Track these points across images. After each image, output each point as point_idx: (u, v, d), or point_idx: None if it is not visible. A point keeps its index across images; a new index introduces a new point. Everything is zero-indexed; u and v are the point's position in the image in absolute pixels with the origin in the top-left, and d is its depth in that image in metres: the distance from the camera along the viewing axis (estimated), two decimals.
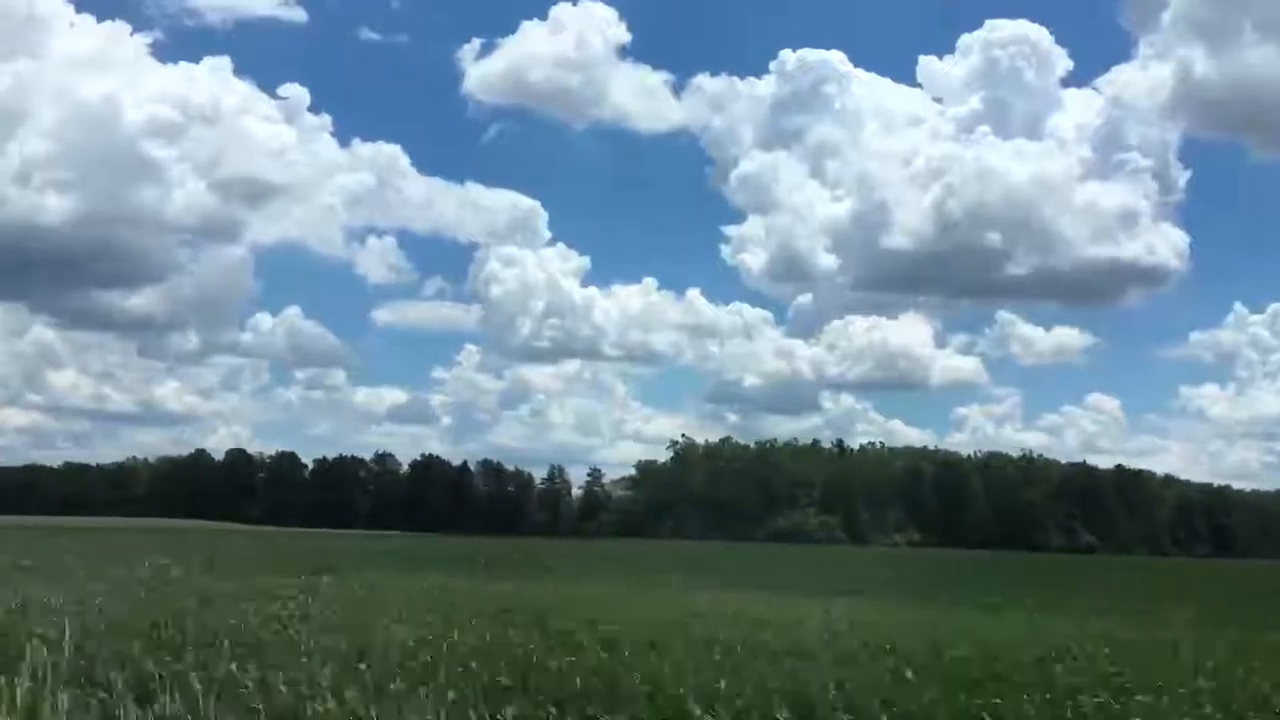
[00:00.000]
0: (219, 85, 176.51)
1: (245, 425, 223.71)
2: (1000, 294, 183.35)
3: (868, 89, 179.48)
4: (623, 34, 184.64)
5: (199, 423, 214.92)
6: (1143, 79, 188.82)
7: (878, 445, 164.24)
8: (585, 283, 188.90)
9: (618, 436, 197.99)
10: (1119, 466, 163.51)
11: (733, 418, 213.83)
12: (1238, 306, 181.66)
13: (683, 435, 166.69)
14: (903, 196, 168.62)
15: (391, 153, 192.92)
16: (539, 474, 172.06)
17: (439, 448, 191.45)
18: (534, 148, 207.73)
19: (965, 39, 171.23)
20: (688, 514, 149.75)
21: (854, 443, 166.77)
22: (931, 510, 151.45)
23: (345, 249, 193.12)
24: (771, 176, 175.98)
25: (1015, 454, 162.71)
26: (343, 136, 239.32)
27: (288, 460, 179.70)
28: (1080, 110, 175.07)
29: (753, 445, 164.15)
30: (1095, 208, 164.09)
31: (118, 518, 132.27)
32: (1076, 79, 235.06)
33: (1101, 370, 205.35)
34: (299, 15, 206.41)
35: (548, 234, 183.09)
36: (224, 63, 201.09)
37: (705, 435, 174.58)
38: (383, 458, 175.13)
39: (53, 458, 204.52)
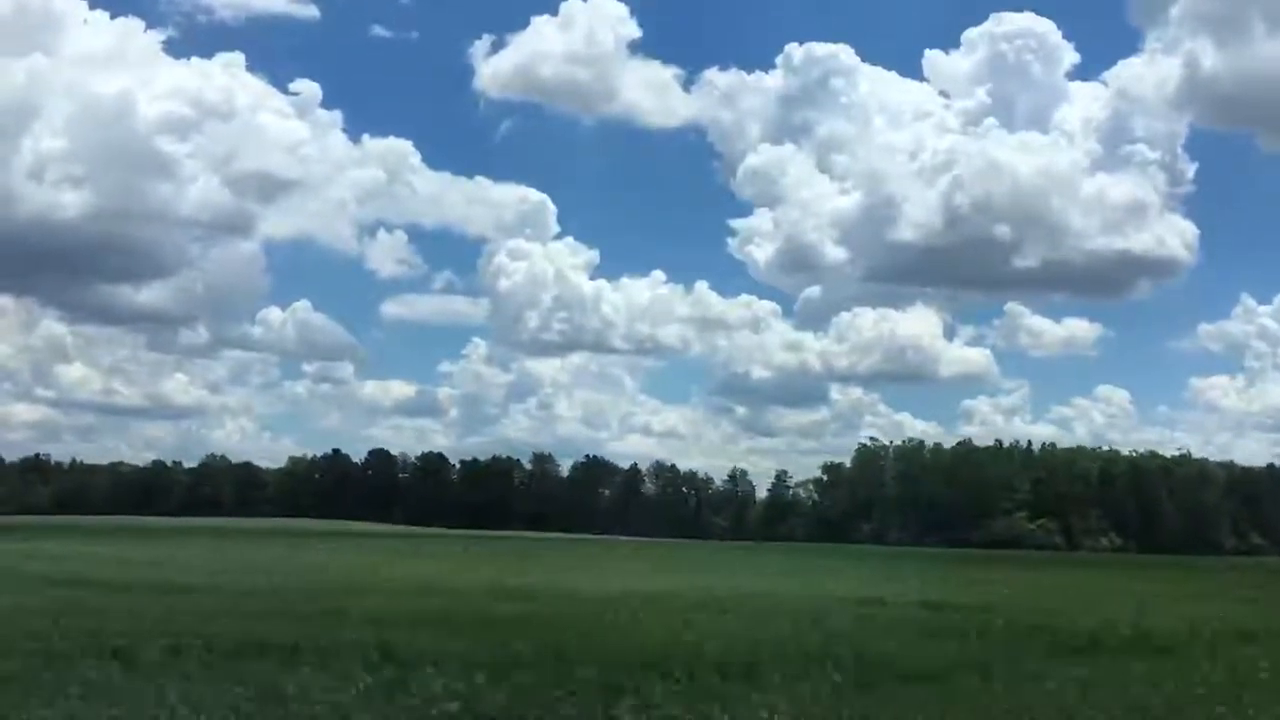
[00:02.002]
0: (232, 81, 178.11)
1: (253, 419, 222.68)
2: (1009, 286, 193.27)
3: (875, 83, 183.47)
4: (633, 30, 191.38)
5: (207, 417, 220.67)
6: (1150, 72, 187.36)
7: (1061, 447, 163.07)
8: (594, 276, 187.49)
9: (626, 429, 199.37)
10: (1270, 466, 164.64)
11: (741, 410, 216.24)
12: (1245, 298, 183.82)
13: (871, 438, 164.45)
14: (910, 189, 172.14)
15: (402, 148, 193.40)
16: (718, 477, 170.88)
17: (445, 442, 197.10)
18: (544, 143, 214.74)
19: (971, 33, 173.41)
20: (888, 518, 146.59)
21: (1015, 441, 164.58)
22: (1128, 513, 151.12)
23: (355, 243, 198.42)
24: (779, 170, 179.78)
25: (1132, 451, 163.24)
26: (354, 132, 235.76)
27: (434, 460, 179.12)
28: (1087, 103, 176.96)
29: (947, 446, 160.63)
30: (1103, 200, 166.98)
31: (285, 519, 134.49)
32: (1083, 73, 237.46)
33: (1111, 362, 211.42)
34: (311, 12, 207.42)
35: (556, 228, 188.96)
36: (237, 59, 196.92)
37: (711, 428, 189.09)
38: (541, 459, 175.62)
39: (62, 452, 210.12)
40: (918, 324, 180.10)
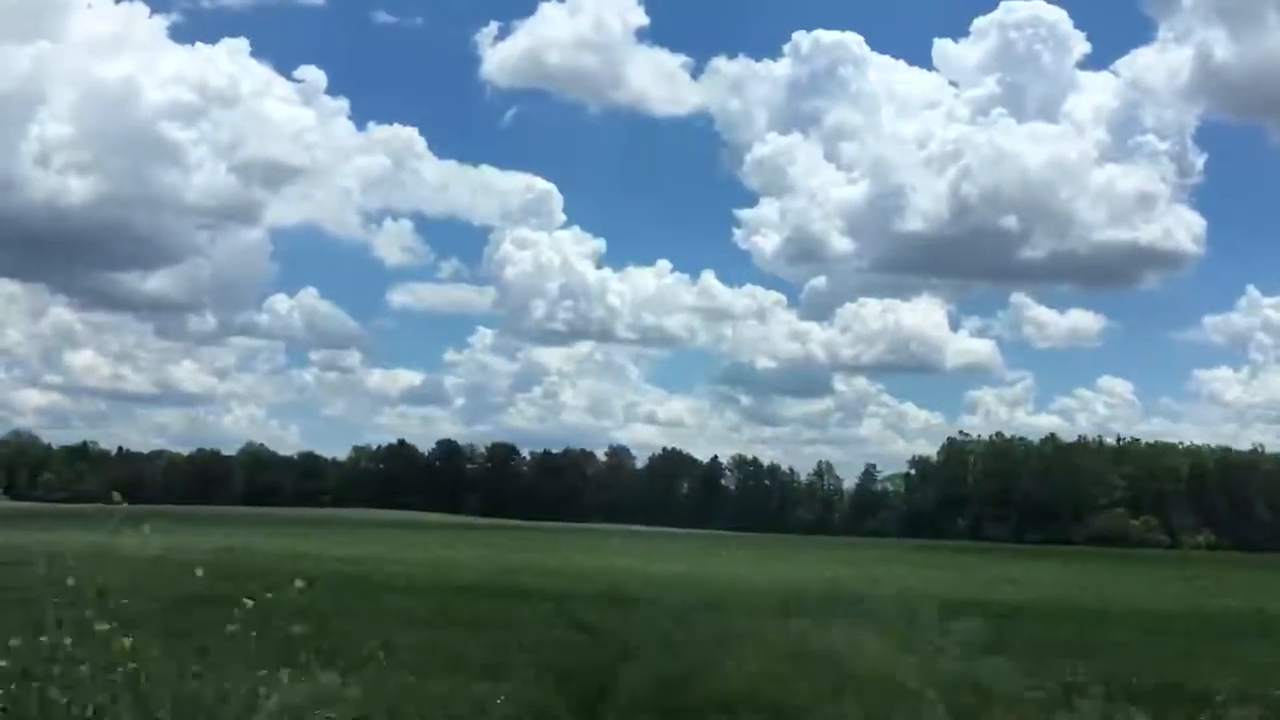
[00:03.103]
0: (237, 67, 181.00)
1: (261, 406, 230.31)
2: (1015, 277, 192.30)
3: (883, 72, 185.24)
4: (641, 17, 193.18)
5: (214, 404, 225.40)
6: (1161, 62, 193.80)
7: (1152, 443, 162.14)
8: (600, 265, 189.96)
9: (631, 419, 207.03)
10: None
11: (745, 400, 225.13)
12: (1251, 290, 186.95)
13: (960, 432, 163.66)
14: (918, 179, 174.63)
15: (408, 135, 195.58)
16: (804, 471, 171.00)
17: (451, 430, 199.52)
18: (550, 130, 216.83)
19: (981, 21, 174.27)
20: (983, 513, 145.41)
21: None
22: (1219, 510, 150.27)
23: (362, 231, 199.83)
24: (786, 159, 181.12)
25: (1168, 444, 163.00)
26: (359, 119, 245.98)
27: (503, 451, 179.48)
28: (1097, 93, 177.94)
29: (1038, 441, 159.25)
30: (1112, 191, 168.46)
31: (347, 509, 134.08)
32: (1094, 62, 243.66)
33: (1115, 353, 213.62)
34: None
35: (563, 217, 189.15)
36: (241, 45, 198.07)
37: (716, 417, 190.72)
38: (617, 451, 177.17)
39: (70, 436, 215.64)
40: (923, 315, 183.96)
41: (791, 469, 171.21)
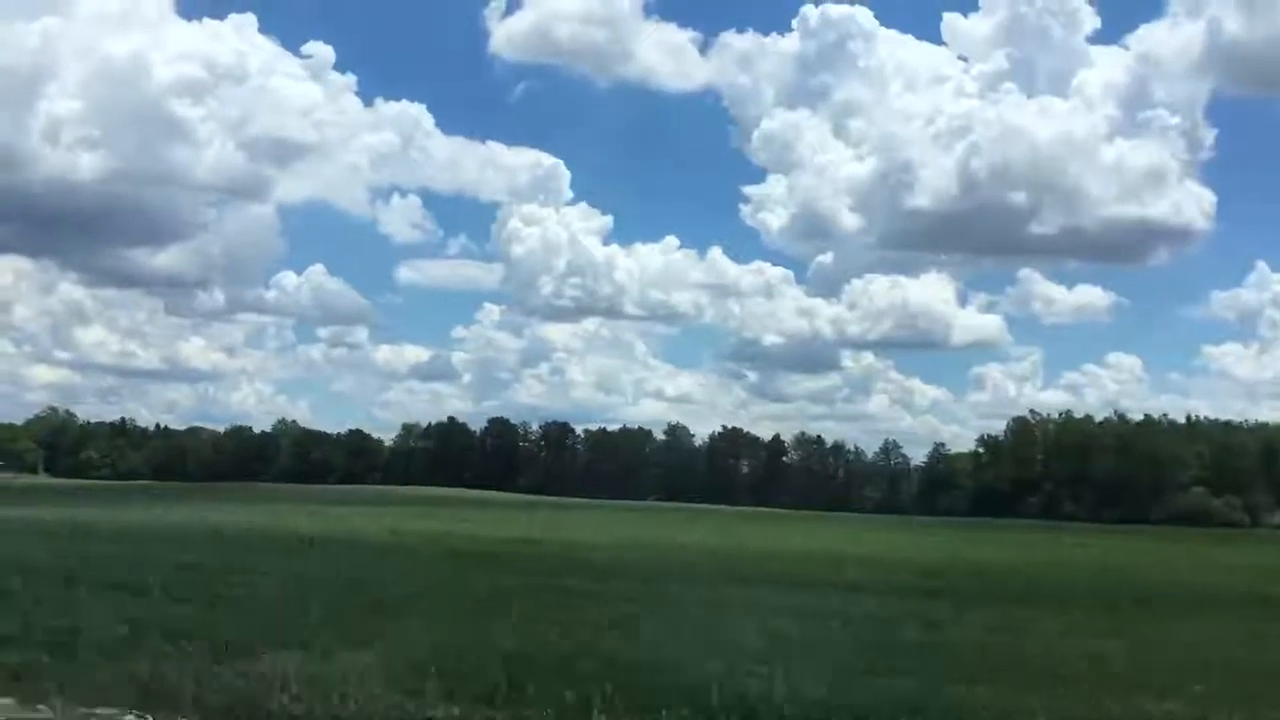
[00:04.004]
0: (244, 43, 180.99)
1: (269, 382, 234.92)
2: (1024, 253, 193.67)
3: (892, 46, 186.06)
4: None
5: (223, 380, 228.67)
6: (1173, 36, 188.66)
7: (1224, 421, 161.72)
8: (607, 241, 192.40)
9: (639, 395, 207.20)
10: None
11: (752, 376, 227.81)
12: (1261, 265, 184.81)
13: (1031, 411, 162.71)
14: (926, 155, 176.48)
15: (416, 112, 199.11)
16: (870, 448, 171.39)
17: (459, 406, 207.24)
18: (558, 106, 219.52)
19: None
20: (1059, 492, 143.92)
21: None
22: None
23: (370, 208, 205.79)
24: (794, 135, 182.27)
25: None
26: (367, 95, 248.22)
27: (558, 430, 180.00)
28: (1108, 68, 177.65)
29: (1114, 419, 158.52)
30: (1122, 166, 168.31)
31: (443, 489, 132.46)
32: (1104, 37, 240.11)
33: (1123, 329, 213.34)
34: None
35: (570, 193, 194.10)
36: (249, 20, 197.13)
37: (723, 393, 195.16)
38: (674, 429, 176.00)
39: (89, 412, 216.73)
40: (930, 291, 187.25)
41: (857, 447, 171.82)
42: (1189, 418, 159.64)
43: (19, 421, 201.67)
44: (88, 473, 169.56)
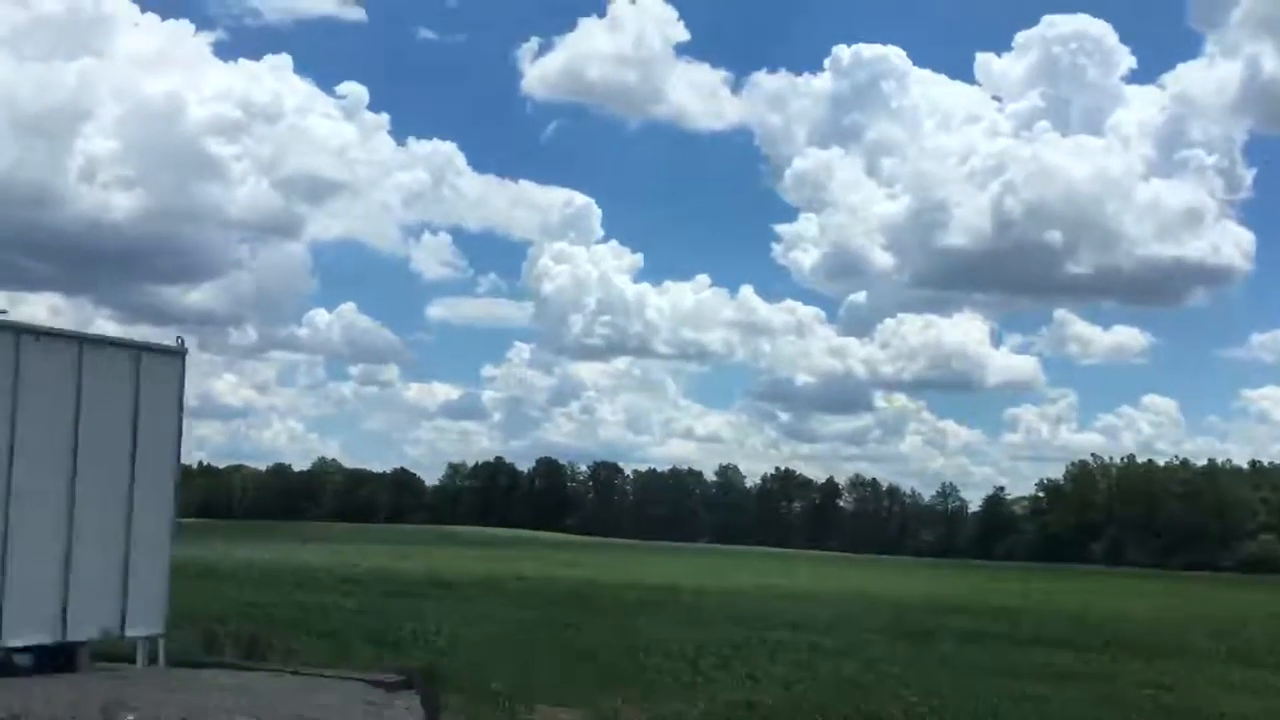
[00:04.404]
0: (280, 83, 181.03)
1: (300, 420, 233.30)
2: (1059, 292, 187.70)
3: (925, 85, 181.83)
4: (681, 32, 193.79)
5: (254, 417, 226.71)
6: (1209, 76, 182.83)
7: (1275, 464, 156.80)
8: (638, 279, 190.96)
9: (669, 434, 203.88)
10: None
11: (784, 416, 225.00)
12: None
13: (1093, 455, 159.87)
14: (960, 194, 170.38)
15: (448, 150, 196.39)
16: (926, 491, 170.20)
17: (489, 445, 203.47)
18: (590, 145, 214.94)
19: (1023, 35, 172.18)
20: (1123, 537, 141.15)
21: None
22: None
23: (401, 245, 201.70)
24: (826, 174, 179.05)
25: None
26: (400, 134, 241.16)
27: (607, 470, 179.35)
28: (1143, 107, 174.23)
29: (1177, 463, 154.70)
30: (1158, 205, 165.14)
31: (481, 528, 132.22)
32: (1140, 76, 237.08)
33: (1160, 371, 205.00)
34: (358, 14, 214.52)
35: (601, 231, 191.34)
36: (284, 61, 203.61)
37: (754, 433, 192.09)
38: (725, 470, 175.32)
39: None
40: (964, 331, 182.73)
41: (913, 490, 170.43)
42: (1253, 463, 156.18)
43: None
44: None
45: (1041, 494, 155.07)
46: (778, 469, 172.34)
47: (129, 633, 11.34)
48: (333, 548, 56.26)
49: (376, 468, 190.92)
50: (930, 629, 23.96)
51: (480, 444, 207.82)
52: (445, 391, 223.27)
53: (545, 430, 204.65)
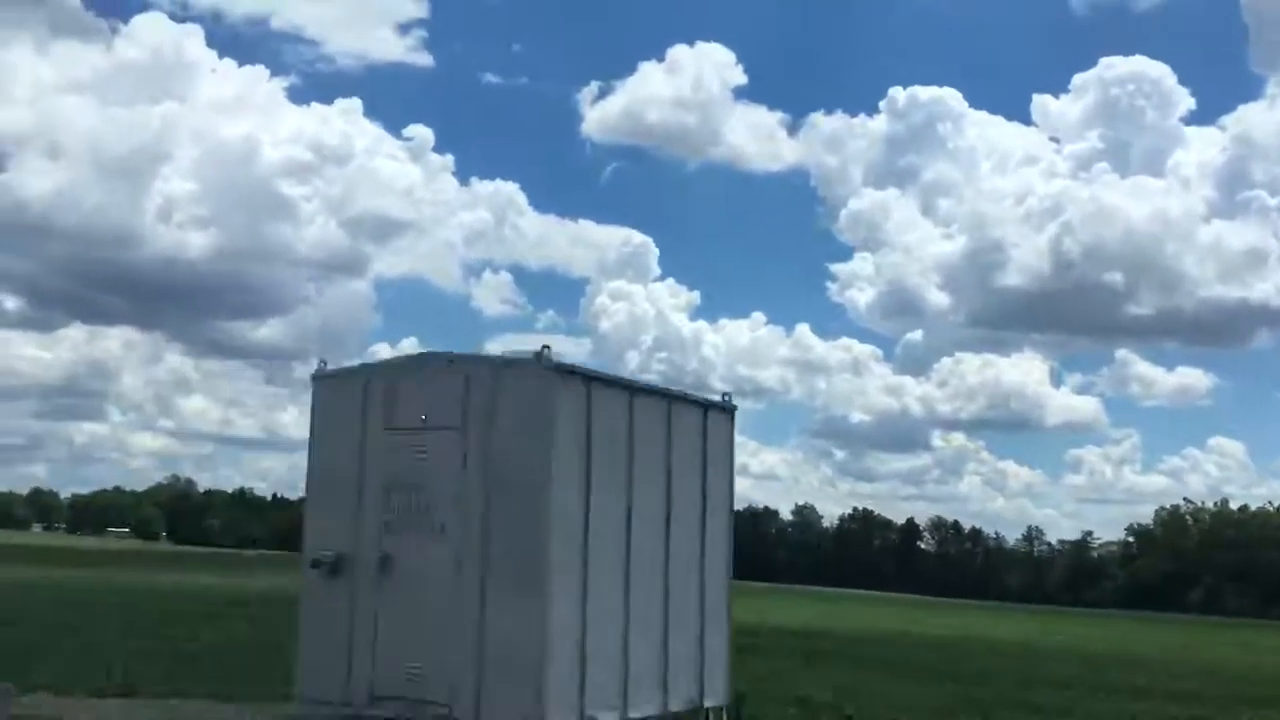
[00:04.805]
0: (349, 126, 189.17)
1: None
2: (1120, 333, 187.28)
3: (981, 127, 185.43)
4: (739, 76, 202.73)
5: None
6: (1271, 118, 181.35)
7: None
8: (694, 317, 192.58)
9: None
10: None
11: (840, 454, 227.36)
12: None
13: (1185, 499, 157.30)
14: (1018, 234, 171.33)
15: (509, 191, 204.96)
16: (1010, 535, 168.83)
17: None
18: (648, 186, 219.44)
19: (1080, 77, 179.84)
20: (1217, 586, 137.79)
21: None
22: None
23: (463, 283, 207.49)
24: (882, 214, 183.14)
25: None
26: (463, 175, 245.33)
27: None
28: (1204, 148, 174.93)
29: (1272, 509, 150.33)
30: (1220, 246, 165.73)
31: None
32: (1199, 118, 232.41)
33: (1226, 413, 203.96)
34: (426, 60, 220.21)
35: (658, 269, 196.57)
36: (355, 105, 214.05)
37: (810, 470, 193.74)
38: (801, 510, 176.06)
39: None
40: (1023, 371, 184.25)
41: (997, 533, 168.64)
42: None
43: (140, 488, 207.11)
44: (211, 540, 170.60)
45: (1131, 539, 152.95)
46: (855, 509, 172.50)
47: (706, 702, 10.88)
48: None
49: None
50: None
51: None
52: None
53: None
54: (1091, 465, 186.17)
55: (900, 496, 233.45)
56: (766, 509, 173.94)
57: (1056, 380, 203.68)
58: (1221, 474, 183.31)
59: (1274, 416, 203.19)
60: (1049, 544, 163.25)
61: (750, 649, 21.53)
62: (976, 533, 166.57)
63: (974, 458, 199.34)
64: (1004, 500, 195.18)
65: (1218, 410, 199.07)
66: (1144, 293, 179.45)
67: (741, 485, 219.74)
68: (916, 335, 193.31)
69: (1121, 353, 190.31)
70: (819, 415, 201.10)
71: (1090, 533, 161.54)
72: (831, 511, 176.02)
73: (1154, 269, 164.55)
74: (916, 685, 19.20)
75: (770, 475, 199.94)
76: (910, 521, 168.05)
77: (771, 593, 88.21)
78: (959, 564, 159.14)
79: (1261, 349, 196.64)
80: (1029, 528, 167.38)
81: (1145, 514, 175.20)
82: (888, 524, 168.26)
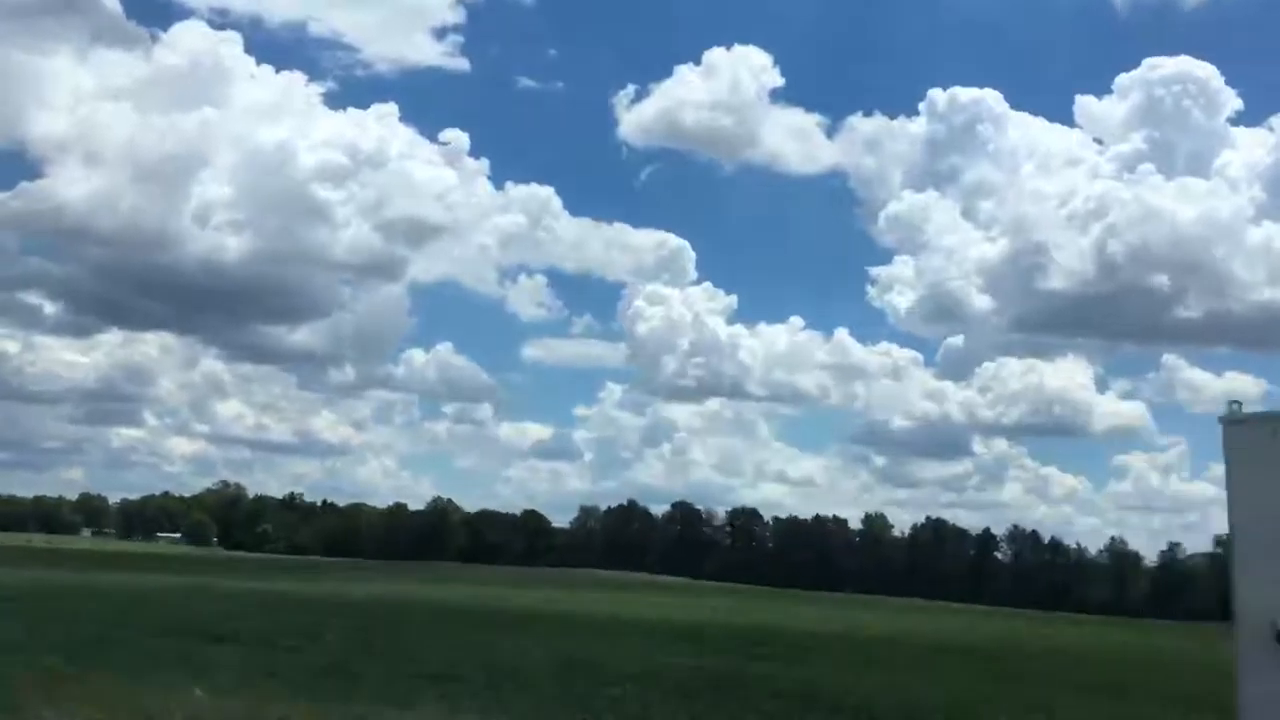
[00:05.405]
0: (385, 131, 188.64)
1: (394, 458, 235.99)
2: (1166, 338, 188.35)
3: (1023, 129, 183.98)
4: (776, 78, 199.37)
5: (350, 454, 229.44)
6: None
7: None
8: (731, 321, 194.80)
9: (760, 477, 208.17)
10: None
11: (879, 460, 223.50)
12: None
13: None
14: (1061, 237, 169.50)
15: (544, 194, 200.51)
16: (1093, 546, 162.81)
17: (580, 485, 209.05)
18: (685, 189, 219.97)
19: (1124, 78, 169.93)
20: None
21: None
22: None
23: (498, 287, 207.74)
24: (922, 217, 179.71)
25: None
26: (499, 179, 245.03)
27: (745, 515, 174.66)
28: (1251, 149, 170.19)
29: None
30: (1270, 249, 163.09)
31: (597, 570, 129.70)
32: (1246, 119, 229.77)
33: None
34: (462, 64, 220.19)
35: (695, 273, 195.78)
36: (391, 109, 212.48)
37: (849, 477, 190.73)
38: (871, 519, 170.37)
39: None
40: (1067, 375, 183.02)
41: (1079, 543, 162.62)
42: None
43: (187, 494, 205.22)
44: (263, 546, 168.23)
45: (1220, 549, 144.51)
46: (928, 518, 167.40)
47: None
48: (547, 595, 50.79)
49: (469, 506, 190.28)
50: None
51: (570, 484, 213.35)
52: (538, 431, 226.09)
53: (635, 471, 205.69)
54: (1138, 472, 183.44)
55: (940, 504, 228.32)
56: (835, 517, 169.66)
57: (1101, 385, 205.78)
58: None
59: None
60: (1135, 555, 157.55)
61: None
62: (1057, 543, 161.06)
63: (1015, 464, 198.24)
64: (1046, 508, 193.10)
65: None
66: (1191, 296, 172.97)
67: (777, 492, 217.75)
68: (958, 340, 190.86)
69: (1168, 357, 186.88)
70: (858, 421, 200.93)
71: (1178, 544, 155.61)
72: (903, 520, 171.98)
73: (1201, 271, 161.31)
74: None
75: (807, 481, 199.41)
76: (986, 531, 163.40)
77: (862, 604, 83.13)
78: (1035, 574, 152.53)
79: None
80: (1112, 538, 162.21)
81: (1190, 522, 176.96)
82: (962, 533, 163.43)
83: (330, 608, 27.58)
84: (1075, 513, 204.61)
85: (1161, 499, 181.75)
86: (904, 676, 19.47)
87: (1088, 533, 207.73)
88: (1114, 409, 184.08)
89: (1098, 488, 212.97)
